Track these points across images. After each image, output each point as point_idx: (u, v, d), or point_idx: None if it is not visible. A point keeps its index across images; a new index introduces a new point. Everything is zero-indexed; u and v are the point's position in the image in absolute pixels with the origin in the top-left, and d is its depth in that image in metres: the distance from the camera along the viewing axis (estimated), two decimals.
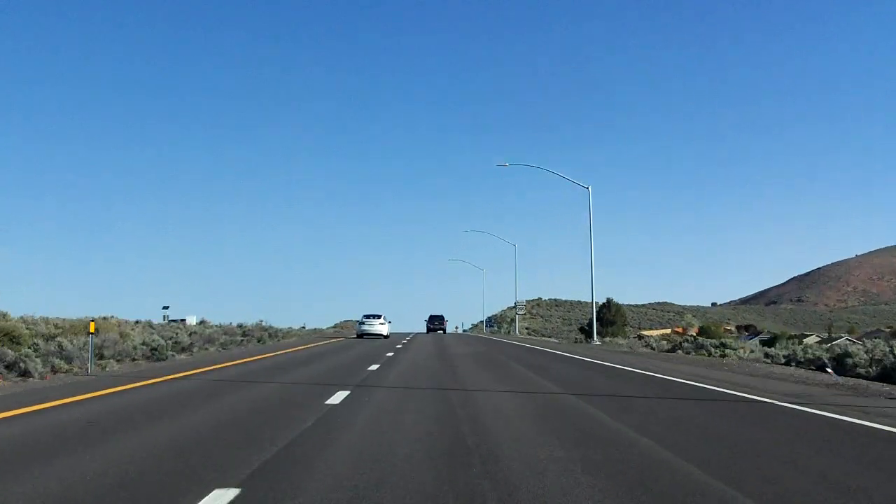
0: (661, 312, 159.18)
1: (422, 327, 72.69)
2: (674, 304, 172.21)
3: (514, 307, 79.07)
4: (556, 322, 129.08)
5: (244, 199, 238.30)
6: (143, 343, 22.11)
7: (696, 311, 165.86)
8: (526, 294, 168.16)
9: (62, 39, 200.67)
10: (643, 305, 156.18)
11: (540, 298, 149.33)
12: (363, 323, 48.21)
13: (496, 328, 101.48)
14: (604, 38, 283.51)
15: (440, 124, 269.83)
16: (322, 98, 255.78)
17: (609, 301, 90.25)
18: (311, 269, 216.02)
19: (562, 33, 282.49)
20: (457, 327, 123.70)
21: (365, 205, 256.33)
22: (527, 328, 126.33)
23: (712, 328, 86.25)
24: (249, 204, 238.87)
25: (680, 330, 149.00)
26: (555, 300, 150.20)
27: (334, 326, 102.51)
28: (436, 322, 70.38)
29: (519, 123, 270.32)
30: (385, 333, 47.45)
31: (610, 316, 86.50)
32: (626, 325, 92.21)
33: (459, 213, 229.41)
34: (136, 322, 37.53)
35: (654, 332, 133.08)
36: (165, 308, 53.45)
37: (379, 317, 48.31)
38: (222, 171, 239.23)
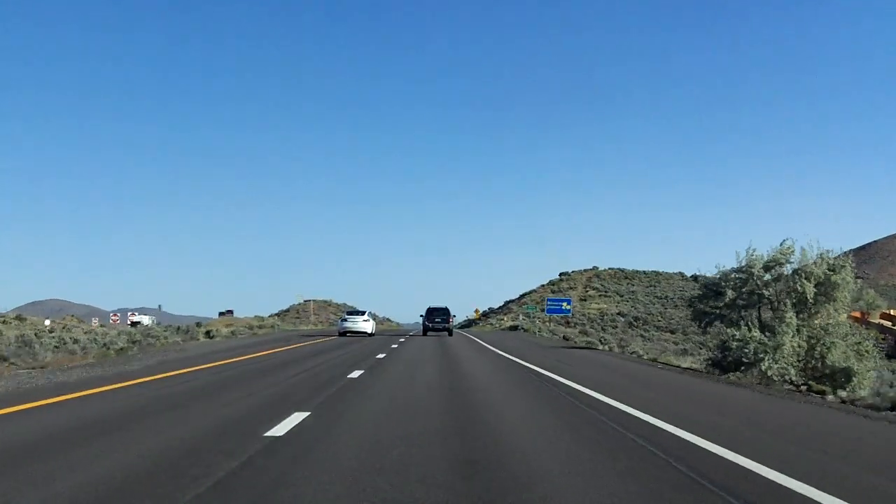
0: None
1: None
2: None
3: None
4: (642, 300, 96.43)
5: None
6: None
7: None
8: (563, 266, 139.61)
9: None
10: None
11: (596, 268, 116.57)
12: (345, 320, 46.73)
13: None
14: (608, 35, 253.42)
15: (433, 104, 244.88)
16: (313, 78, 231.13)
17: None
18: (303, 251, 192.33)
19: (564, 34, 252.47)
20: (477, 310, 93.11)
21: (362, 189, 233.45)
22: (599, 308, 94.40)
23: None
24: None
25: (857, 315, 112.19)
26: (621, 270, 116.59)
27: (298, 309, 77.82)
28: (436, 318, 50.18)
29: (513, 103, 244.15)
30: (370, 331, 45.54)
31: None
32: None
33: (459, 192, 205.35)
34: None
35: None
36: None
37: (363, 313, 47.82)
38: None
